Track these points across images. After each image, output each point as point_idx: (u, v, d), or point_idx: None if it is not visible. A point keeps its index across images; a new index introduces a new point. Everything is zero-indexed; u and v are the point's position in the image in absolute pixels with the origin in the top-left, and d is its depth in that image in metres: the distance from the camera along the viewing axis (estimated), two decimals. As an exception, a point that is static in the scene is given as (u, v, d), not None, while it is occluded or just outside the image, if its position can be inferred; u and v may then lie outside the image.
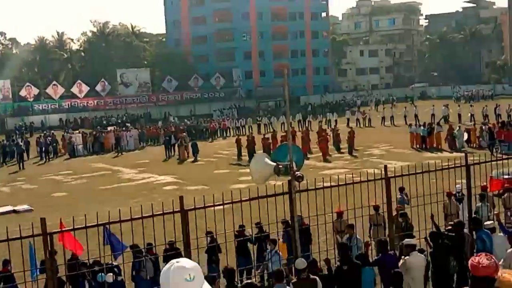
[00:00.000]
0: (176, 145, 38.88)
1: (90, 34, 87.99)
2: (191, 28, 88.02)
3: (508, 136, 32.31)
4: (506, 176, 17.32)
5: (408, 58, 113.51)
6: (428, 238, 10.55)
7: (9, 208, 22.98)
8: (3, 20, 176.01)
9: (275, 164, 8.23)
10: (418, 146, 35.81)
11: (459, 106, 54.69)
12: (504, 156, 22.27)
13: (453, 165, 11.15)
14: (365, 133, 43.53)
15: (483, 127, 36.01)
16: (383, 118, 51.01)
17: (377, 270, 9.89)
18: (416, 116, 46.63)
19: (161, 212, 8.27)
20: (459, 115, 47.59)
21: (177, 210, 8.41)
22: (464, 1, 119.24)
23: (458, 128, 37.53)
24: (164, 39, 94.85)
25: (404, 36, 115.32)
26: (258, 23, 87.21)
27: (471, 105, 53.11)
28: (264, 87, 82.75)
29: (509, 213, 15.24)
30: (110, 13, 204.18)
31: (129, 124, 54.14)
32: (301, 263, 8.52)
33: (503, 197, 16.06)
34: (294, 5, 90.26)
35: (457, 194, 15.32)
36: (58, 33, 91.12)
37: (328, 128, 41.86)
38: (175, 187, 26.77)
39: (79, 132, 48.19)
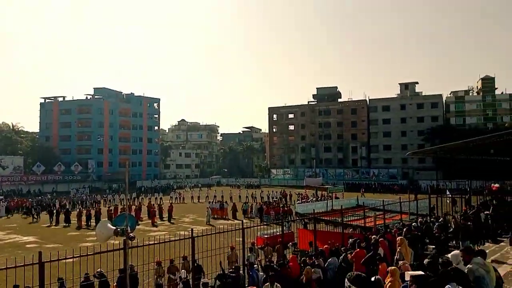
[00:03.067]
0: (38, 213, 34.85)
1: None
2: (59, 130, 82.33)
3: (268, 211, 32.20)
4: (265, 236, 18.02)
5: (209, 159, 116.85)
6: (216, 279, 10.11)
7: None
8: None
9: (115, 227, 7.62)
10: (215, 215, 34.43)
11: (239, 190, 57.51)
12: (269, 223, 23.98)
13: (235, 228, 11.26)
14: (180, 207, 42.63)
15: (254, 205, 36.89)
16: (192, 197, 50.53)
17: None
18: (214, 196, 46.55)
19: (22, 264, 7.33)
20: (240, 196, 48.16)
21: (36, 262, 7.52)
22: (243, 127, 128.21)
23: (243, 203, 38.18)
24: (37, 136, 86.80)
25: (207, 145, 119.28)
26: (109, 129, 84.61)
27: (247, 190, 55.02)
28: (111, 173, 79.23)
29: (267, 260, 14.53)
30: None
31: (2, 197, 47.75)
32: None
33: (264, 249, 16.02)
34: (136, 120, 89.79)
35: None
36: None
37: (155, 203, 40.26)
38: (36, 245, 23.65)
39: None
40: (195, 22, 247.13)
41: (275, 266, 10.51)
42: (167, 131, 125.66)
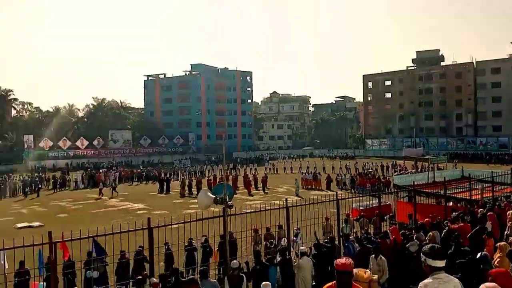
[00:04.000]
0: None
1: (91, 106, 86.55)
2: (161, 105, 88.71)
3: (363, 182, 32.42)
4: (361, 208, 17.56)
5: (301, 131, 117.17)
6: (313, 247, 10.22)
7: (26, 224, 22.16)
8: (31, 93, 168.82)
9: (214, 196, 8.01)
10: (308, 186, 35.23)
11: (332, 161, 56.93)
12: (364, 194, 23.46)
13: (329, 199, 11.07)
14: (274, 177, 43.32)
15: (347, 176, 36.67)
16: (285, 168, 51.26)
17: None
18: (307, 167, 46.01)
19: (134, 229, 7.86)
20: (333, 167, 47.59)
21: (146, 227, 8.06)
22: (336, 97, 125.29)
23: (337, 175, 37.56)
24: (143, 112, 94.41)
25: (299, 117, 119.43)
26: (207, 104, 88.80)
27: (340, 161, 54.24)
28: (210, 146, 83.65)
29: (363, 231, 14.78)
30: (108, 90, 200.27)
31: (115, 168, 52.98)
32: (235, 263, 8.22)
33: (359, 220, 16.06)
34: (230, 94, 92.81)
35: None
36: (69, 104, 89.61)
37: (250, 173, 41.13)
38: (145, 212, 25.52)
39: (79, 172, 46.62)
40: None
41: (373, 238, 10.41)
42: (259, 103, 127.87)
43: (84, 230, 7.88)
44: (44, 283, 9.08)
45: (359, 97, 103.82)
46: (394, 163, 45.88)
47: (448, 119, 76.85)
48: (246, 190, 33.81)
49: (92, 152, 67.28)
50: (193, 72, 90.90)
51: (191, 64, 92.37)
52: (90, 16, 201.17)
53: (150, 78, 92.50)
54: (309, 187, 35.19)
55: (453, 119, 76.31)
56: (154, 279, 7.95)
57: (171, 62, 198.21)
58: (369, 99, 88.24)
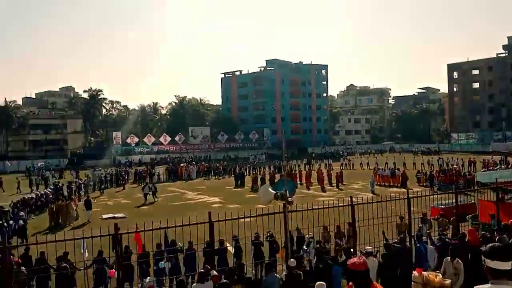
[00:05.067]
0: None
1: (174, 104, 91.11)
2: (237, 101, 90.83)
3: (444, 179, 30.73)
4: (441, 206, 16.88)
5: (381, 125, 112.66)
6: (383, 247, 9.80)
7: (111, 215, 23.25)
8: (120, 93, 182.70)
9: (275, 192, 8.00)
10: (385, 183, 33.54)
11: (414, 156, 53.86)
12: (439, 192, 21.94)
13: (398, 198, 10.47)
14: (350, 173, 42.06)
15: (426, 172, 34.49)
16: (361, 164, 49.37)
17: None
18: (386, 163, 43.90)
19: (195, 222, 8.26)
20: (414, 163, 44.82)
21: (207, 221, 8.29)
22: (418, 88, 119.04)
23: (417, 171, 36.04)
24: (220, 108, 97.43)
25: (378, 110, 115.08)
26: (281, 99, 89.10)
27: (422, 157, 51.50)
28: (285, 140, 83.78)
29: (439, 232, 12.94)
30: (188, 89, 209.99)
31: (194, 162, 55.10)
32: (292, 262, 8.10)
33: (439, 220, 15.04)
34: (305, 88, 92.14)
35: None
36: (153, 102, 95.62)
37: (324, 169, 40.05)
38: (220, 205, 25.95)
39: (162, 166, 48.88)
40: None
41: (447, 239, 9.76)
42: (336, 97, 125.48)
43: (157, 222, 8.26)
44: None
45: (443, 88, 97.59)
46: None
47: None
48: (319, 186, 33.37)
49: (174, 147, 70.73)
50: (268, 68, 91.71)
51: (266, 60, 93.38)
52: (168, 19, 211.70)
53: (226, 75, 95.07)
54: (386, 184, 33.66)
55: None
56: (215, 271, 8.21)
57: (247, 59, 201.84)
58: (454, 89, 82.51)
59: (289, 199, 8.19)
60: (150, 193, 29.21)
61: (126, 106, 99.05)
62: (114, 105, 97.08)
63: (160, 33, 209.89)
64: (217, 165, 49.34)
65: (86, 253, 10.34)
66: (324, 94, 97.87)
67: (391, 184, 33.44)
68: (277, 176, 35.92)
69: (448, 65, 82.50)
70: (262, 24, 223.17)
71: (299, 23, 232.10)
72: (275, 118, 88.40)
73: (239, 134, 77.64)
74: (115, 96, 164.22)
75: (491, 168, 34.68)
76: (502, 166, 33.44)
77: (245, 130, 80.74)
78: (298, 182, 35.33)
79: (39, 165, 55.76)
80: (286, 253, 9.33)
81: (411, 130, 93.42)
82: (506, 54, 75.28)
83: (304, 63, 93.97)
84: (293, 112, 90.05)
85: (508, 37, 76.08)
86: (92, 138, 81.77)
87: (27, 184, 37.24)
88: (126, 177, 41.43)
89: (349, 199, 9.78)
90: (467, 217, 15.24)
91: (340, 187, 33.38)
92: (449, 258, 8.41)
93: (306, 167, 46.86)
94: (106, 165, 54.92)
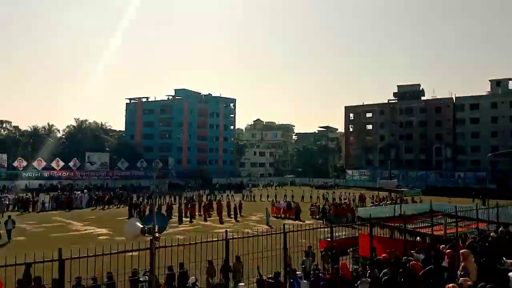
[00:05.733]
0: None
1: (71, 127, 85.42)
2: (142, 128, 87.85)
3: (335, 212, 31.57)
4: (328, 239, 16.78)
5: (284, 159, 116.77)
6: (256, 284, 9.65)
7: None
8: (9, 111, 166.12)
9: (142, 226, 7.43)
10: (281, 215, 34.25)
11: (311, 189, 56.15)
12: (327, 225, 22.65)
13: (274, 232, 10.21)
14: (251, 205, 42.46)
15: (319, 206, 35.65)
16: (261, 196, 49.82)
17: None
18: (285, 195, 46.02)
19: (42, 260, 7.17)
20: (311, 197, 46.63)
21: (56, 259, 7.17)
22: (319, 126, 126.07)
23: (311, 204, 37.23)
24: (123, 135, 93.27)
25: (282, 145, 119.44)
26: (189, 129, 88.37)
27: (318, 191, 53.28)
28: (188, 171, 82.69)
29: (318, 266, 12.91)
30: (89, 111, 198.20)
31: (86, 190, 51.30)
32: None
33: (323, 254, 14.97)
34: (213, 119, 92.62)
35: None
36: (49, 124, 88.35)
37: (224, 200, 40.18)
38: (107, 237, 24.46)
39: (47, 194, 44.51)
40: (269, 21, 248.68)
41: (320, 273, 9.78)
42: (243, 130, 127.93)
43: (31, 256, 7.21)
44: None
45: (341, 127, 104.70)
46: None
47: (428, 153, 77.64)
48: (217, 218, 33.08)
49: (68, 173, 65.68)
50: (177, 97, 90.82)
51: (174, 89, 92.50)
52: (79, 36, 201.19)
53: (132, 101, 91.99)
54: (282, 216, 34.42)
55: (433, 153, 77.12)
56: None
57: (154, 86, 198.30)
58: (350, 129, 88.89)
59: (157, 234, 7.52)
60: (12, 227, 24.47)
61: (18, 127, 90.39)
62: (4, 125, 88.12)
63: (61, 51, 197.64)
64: (111, 193, 46.42)
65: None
66: (232, 127, 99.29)
67: (288, 216, 34.06)
68: (174, 208, 34.70)
69: (345, 107, 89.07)
70: (172, 53, 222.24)
71: (209, 57, 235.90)
72: (181, 148, 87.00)
73: (141, 162, 74.66)
74: (6, 116, 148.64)
75: (377, 203, 37.26)
76: (388, 202, 36.05)
77: (150, 158, 78.01)
78: (197, 214, 34.64)
79: None
80: None
81: (311, 165, 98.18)
82: (396, 101, 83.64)
83: (213, 95, 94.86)
84: (200, 142, 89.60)
85: (398, 86, 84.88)
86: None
87: None
88: (7, 203, 37.19)
89: (224, 233, 9.17)
90: (348, 250, 15.73)
91: (237, 219, 33.25)
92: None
93: (208, 197, 46.21)
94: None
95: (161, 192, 56.64)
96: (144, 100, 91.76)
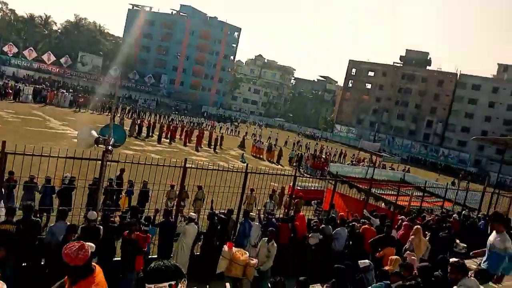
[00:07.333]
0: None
1: (69, 22, 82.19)
2: (141, 39, 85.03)
3: (312, 164, 32.09)
4: (298, 188, 16.31)
5: (277, 101, 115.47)
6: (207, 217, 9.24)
7: None
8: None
9: (97, 136, 7.20)
10: (259, 155, 34.21)
11: (297, 137, 56.29)
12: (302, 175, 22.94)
13: (236, 170, 9.61)
14: (233, 139, 42.35)
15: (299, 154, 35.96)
16: (246, 133, 47.15)
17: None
18: (269, 137, 44.39)
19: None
20: (294, 144, 45.83)
21: None
22: (320, 75, 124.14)
23: (291, 151, 37.34)
24: (120, 41, 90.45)
25: (278, 86, 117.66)
26: (187, 49, 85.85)
27: (302, 139, 52.84)
28: (181, 93, 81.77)
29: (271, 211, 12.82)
30: (90, 10, 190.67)
31: (71, 90, 50.43)
32: (93, 214, 7.23)
33: (286, 199, 14.68)
34: (214, 45, 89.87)
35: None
36: (46, 15, 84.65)
37: (207, 130, 40.47)
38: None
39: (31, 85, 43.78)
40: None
41: (274, 219, 9.83)
42: (243, 63, 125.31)
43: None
44: None
45: (341, 81, 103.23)
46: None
47: (419, 123, 77.65)
48: (195, 145, 32.89)
49: (58, 69, 64.30)
50: (181, 13, 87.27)
51: (180, 4, 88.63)
52: None
53: (135, 7, 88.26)
54: (260, 156, 34.46)
55: (423, 125, 77.15)
56: None
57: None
58: (349, 85, 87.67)
59: (109, 147, 7.23)
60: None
61: (14, 10, 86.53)
62: (0, 6, 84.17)
63: None
64: (96, 99, 45.75)
65: None
66: (232, 57, 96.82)
67: (265, 158, 34.25)
68: (157, 126, 34.49)
69: (349, 60, 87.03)
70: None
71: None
72: (177, 67, 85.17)
73: (134, 73, 73.28)
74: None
75: (355, 162, 37.58)
76: (366, 164, 36.30)
77: (142, 72, 76.50)
78: (178, 137, 34.59)
79: None
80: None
81: (303, 112, 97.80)
82: (401, 65, 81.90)
83: (219, 19, 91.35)
84: (197, 66, 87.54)
85: (406, 49, 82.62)
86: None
87: None
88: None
89: (184, 160, 8.78)
90: (312, 202, 15.94)
91: (216, 150, 33.21)
92: (266, 239, 8.43)
93: (192, 124, 46.10)
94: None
95: (148, 108, 56.31)
96: (147, 9, 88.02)
